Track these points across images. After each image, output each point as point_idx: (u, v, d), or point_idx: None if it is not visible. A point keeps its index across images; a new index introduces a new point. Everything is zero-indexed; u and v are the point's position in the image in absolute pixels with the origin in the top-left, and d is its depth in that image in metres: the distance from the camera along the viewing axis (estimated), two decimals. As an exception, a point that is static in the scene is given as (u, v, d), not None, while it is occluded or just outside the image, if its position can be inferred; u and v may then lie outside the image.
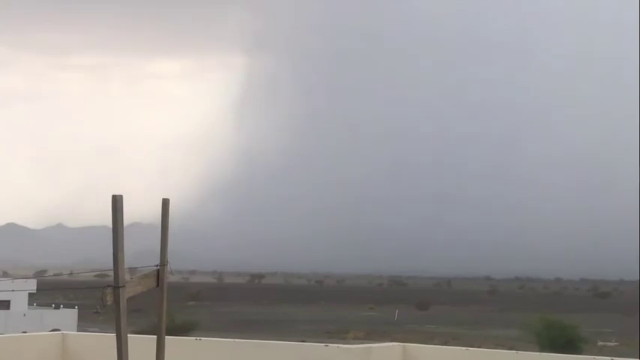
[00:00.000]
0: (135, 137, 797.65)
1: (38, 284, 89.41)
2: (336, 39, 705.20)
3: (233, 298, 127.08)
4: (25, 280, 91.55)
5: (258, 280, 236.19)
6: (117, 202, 6.73)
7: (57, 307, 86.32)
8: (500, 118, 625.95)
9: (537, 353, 22.08)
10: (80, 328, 71.66)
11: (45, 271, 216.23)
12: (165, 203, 7.53)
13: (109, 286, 6.60)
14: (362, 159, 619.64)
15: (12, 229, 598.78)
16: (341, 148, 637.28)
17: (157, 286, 7.32)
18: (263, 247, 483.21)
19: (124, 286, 6.70)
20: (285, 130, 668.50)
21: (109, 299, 6.64)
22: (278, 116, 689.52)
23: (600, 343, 54.40)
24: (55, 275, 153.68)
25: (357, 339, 51.22)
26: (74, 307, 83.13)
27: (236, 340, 19.30)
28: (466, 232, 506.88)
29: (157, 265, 7.40)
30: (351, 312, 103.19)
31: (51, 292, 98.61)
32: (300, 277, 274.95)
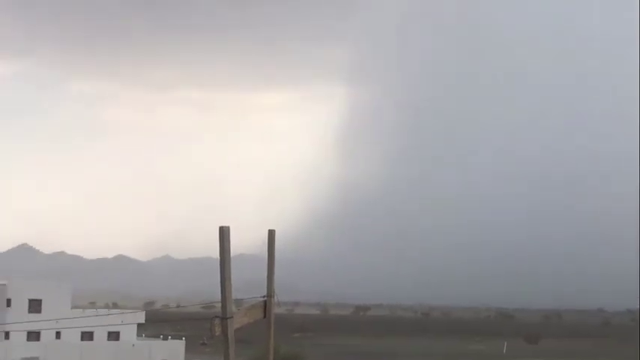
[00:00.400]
0: (239, 169, 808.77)
1: (146, 315, 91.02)
2: (438, 67, 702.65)
3: (337, 330, 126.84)
4: (134, 311, 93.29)
5: (363, 312, 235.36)
6: (224, 233, 6.73)
7: (165, 339, 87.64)
8: None
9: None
10: (187, 359, 72.60)
11: (153, 302, 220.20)
12: (272, 234, 7.51)
13: (216, 317, 6.59)
14: (470, 190, 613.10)
15: (121, 261, 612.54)
16: (446, 179, 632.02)
17: (264, 317, 7.28)
18: (368, 278, 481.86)
19: (232, 317, 6.67)
20: (389, 159, 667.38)
21: (217, 330, 6.63)
22: (381, 146, 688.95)
23: None
24: (163, 307, 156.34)
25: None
26: (181, 339, 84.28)
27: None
28: (576, 263, 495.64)
29: (263, 297, 7.37)
30: (458, 344, 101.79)
31: (159, 323, 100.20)
32: (405, 309, 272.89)
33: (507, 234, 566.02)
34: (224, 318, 6.64)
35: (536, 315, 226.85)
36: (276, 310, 7.80)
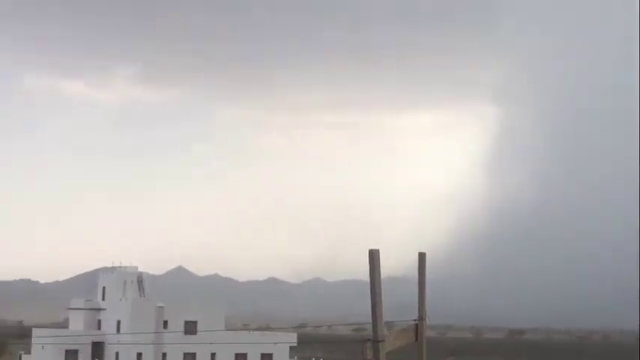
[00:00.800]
0: (387, 192, 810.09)
1: (298, 337, 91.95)
2: (587, 92, 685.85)
3: (491, 354, 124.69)
4: (286, 333, 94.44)
5: (518, 336, 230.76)
6: (374, 256, 6.69)
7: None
8: None
9: None
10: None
11: (304, 324, 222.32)
12: (422, 257, 7.42)
13: (368, 340, 6.53)
14: (620, 213, 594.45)
15: (272, 283, 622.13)
16: (596, 204, 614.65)
17: (416, 340, 7.19)
18: (523, 301, 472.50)
19: (384, 340, 6.61)
20: (538, 182, 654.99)
21: (369, 354, 6.57)
22: (531, 169, 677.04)
23: None
24: (314, 328, 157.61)
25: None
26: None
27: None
28: None
29: (415, 320, 7.27)
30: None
31: (311, 345, 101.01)
32: (562, 333, 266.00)
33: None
34: (375, 341, 6.57)
35: None
36: (428, 333, 7.69)
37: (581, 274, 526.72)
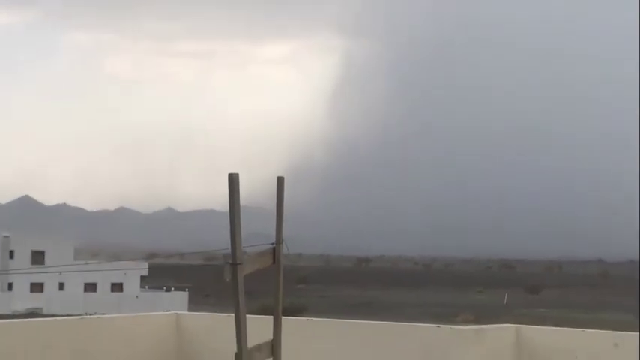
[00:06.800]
0: (234, 121, 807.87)
1: (149, 267, 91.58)
2: (439, 28, 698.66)
3: (341, 282, 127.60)
4: (136, 262, 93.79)
5: (365, 264, 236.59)
6: (233, 180, 6.73)
7: (168, 290, 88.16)
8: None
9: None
10: (191, 311, 73.03)
11: (156, 254, 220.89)
12: (281, 182, 7.50)
13: (227, 263, 6.61)
14: (463, 147, 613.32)
15: (123, 213, 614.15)
16: (439, 135, 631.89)
17: (273, 263, 7.31)
18: (370, 231, 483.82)
19: (242, 263, 6.69)
20: (383, 115, 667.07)
21: (227, 276, 6.64)
22: (376, 103, 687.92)
23: None
24: (166, 258, 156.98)
25: (466, 322, 50.68)
26: (185, 290, 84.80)
27: (348, 320, 19.33)
28: (577, 214, 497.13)
29: (272, 243, 7.38)
30: (459, 295, 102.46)
31: (162, 275, 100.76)
32: (407, 260, 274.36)
33: (507, 185, 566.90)
34: (234, 264, 6.66)
35: (537, 266, 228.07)
36: (286, 258, 7.83)
37: (423, 206, 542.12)
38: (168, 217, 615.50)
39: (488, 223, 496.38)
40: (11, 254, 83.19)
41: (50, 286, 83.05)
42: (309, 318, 20.60)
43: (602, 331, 19.23)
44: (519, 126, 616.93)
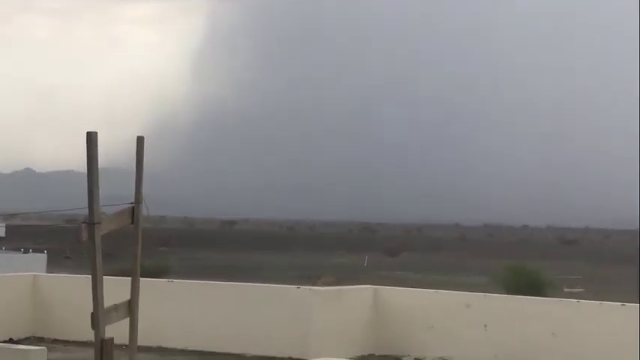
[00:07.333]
0: (96, 82, 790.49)
1: (7, 229, 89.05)
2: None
3: (204, 245, 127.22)
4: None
5: (229, 227, 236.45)
6: (92, 138, 6.63)
7: (26, 252, 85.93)
8: (473, 59, 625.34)
9: (504, 295, 22.43)
10: (49, 273, 71.42)
11: (14, 215, 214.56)
12: (140, 141, 7.42)
13: (84, 222, 6.51)
14: (323, 108, 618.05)
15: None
16: (305, 93, 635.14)
17: (132, 223, 7.23)
18: (232, 194, 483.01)
19: (100, 222, 6.61)
20: (249, 74, 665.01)
21: (85, 236, 6.55)
22: (241, 62, 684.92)
23: (566, 290, 55.13)
24: (23, 219, 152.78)
25: (328, 284, 51.39)
26: (43, 252, 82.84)
27: (209, 282, 19.31)
28: (437, 179, 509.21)
29: (131, 203, 7.30)
30: (321, 259, 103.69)
31: (20, 237, 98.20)
32: (271, 223, 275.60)
33: (369, 150, 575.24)
34: (91, 223, 6.56)
35: (397, 230, 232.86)
36: (145, 220, 7.76)
37: (289, 168, 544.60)
38: (27, 176, 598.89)
39: (350, 187, 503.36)
40: None
41: None
42: (170, 280, 20.43)
43: (455, 292, 19.89)
44: (383, 82, 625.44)
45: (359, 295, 18.57)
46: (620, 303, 17.34)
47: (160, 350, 16.56)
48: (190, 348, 16.85)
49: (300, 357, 15.80)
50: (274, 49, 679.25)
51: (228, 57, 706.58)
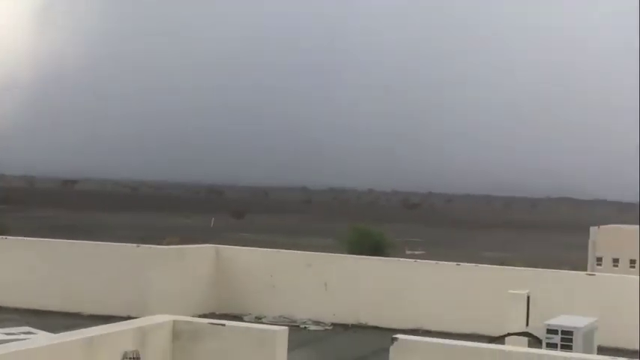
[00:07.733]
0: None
1: None
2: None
3: (45, 203, 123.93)
4: None
5: (71, 186, 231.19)
6: None
7: None
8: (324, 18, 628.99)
9: (344, 255, 22.82)
10: None
11: None
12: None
13: None
14: (173, 67, 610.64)
15: None
16: (149, 54, 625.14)
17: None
18: (74, 152, 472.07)
19: None
20: (93, 32, 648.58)
21: None
22: (86, 17, 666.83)
23: (408, 252, 56.51)
24: None
25: (172, 244, 51.00)
26: None
27: (47, 239, 18.77)
28: (283, 142, 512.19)
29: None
30: (166, 219, 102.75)
31: None
32: (114, 183, 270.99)
33: (219, 109, 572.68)
34: None
35: (245, 192, 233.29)
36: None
37: (134, 128, 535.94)
38: None
39: (197, 150, 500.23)
40: None
41: None
42: (5, 237, 19.72)
43: (297, 252, 20.04)
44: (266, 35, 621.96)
45: (200, 254, 18.51)
46: (455, 263, 17.91)
47: (-7, 309, 16.03)
48: (25, 307, 16.39)
49: (139, 316, 15.63)
50: (125, 6, 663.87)
51: (74, 13, 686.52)
